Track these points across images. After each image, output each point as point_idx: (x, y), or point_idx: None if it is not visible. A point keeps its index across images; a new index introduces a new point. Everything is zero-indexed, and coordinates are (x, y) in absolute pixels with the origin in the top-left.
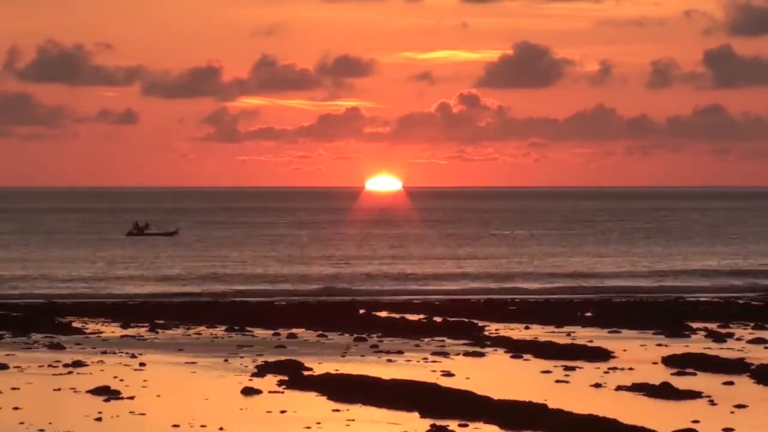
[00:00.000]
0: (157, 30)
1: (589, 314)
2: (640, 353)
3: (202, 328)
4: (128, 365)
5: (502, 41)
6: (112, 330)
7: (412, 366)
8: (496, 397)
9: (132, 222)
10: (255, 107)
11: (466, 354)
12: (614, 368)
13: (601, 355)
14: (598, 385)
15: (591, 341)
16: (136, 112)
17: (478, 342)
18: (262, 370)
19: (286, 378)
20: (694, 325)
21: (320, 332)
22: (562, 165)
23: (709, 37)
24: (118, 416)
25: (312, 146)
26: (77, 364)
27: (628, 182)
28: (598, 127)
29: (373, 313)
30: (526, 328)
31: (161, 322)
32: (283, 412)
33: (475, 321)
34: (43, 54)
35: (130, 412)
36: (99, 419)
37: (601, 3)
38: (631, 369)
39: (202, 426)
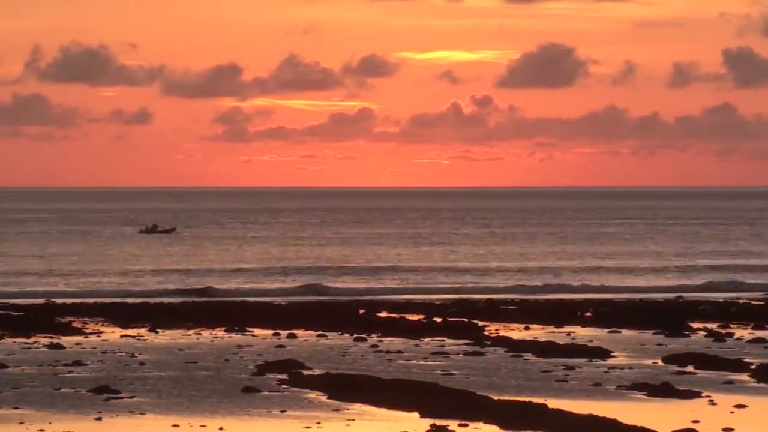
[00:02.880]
0: (186, 30)
1: (589, 314)
2: (640, 353)
3: (202, 328)
4: (128, 365)
5: (532, 42)
6: (112, 330)
7: (412, 366)
8: (496, 397)
9: (144, 222)
10: (270, 107)
11: (466, 354)
12: (614, 368)
13: (601, 354)
14: (598, 385)
15: (591, 341)
16: (150, 113)
17: (478, 342)
18: (262, 370)
19: (286, 378)
20: (694, 325)
21: (320, 332)
22: (567, 165)
23: (740, 38)
24: (118, 416)
25: (319, 146)
26: (77, 363)
27: (636, 182)
28: (610, 127)
29: (373, 313)
30: (526, 328)
31: (161, 322)
32: (283, 411)
33: (475, 321)
34: (65, 54)
35: (130, 412)
36: (99, 419)
37: (646, 5)
38: (631, 369)
39: (202, 426)
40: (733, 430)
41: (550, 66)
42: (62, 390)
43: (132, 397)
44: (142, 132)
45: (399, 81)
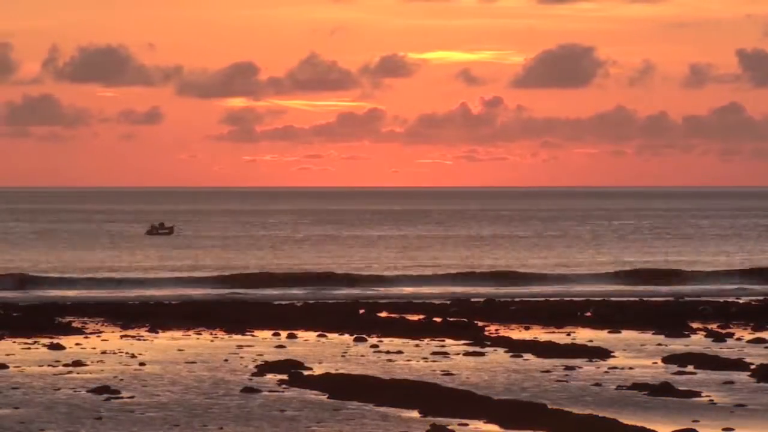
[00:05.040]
0: (209, 30)
1: (589, 314)
2: (640, 353)
3: (202, 328)
4: (128, 365)
5: (553, 43)
6: (112, 330)
7: (412, 366)
8: (496, 397)
9: (151, 222)
10: (282, 107)
11: (466, 354)
12: (614, 368)
13: (601, 354)
14: (598, 385)
15: (591, 341)
16: (162, 113)
17: (478, 342)
18: (262, 370)
19: (286, 378)
20: (694, 325)
21: (320, 332)
22: (571, 165)
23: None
24: (118, 416)
25: (326, 146)
26: (77, 363)
27: (643, 183)
28: (619, 127)
29: (373, 313)
30: (526, 328)
31: (161, 321)
32: (283, 411)
33: (476, 321)
34: (83, 54)
35: (130, 412)
36: (99, 419)
37: (676, 5)
38: (631, 369)
39: (203, 426)
40: (733, 430)
41: (567, 66)
42: (62, 390)
43: (132, 398)
44: (150, 132)
45: (415, 81)
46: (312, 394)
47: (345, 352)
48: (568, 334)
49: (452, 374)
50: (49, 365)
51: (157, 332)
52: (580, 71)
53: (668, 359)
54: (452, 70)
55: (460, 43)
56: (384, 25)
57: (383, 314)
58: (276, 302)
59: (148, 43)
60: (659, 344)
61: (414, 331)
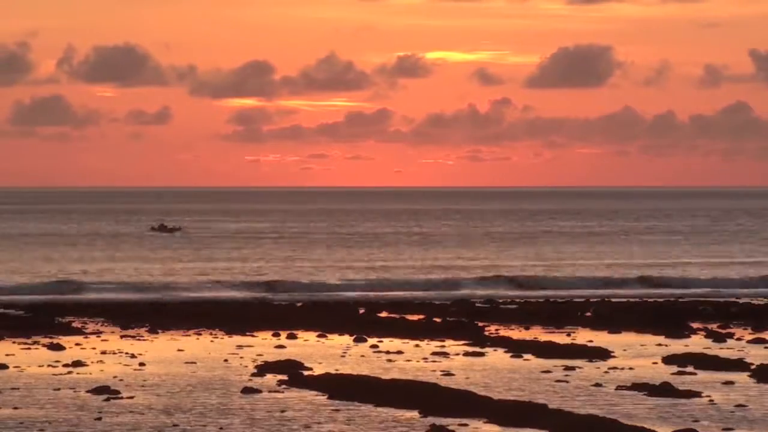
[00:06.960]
0: (228, 30)
1: (588, 314)
2: (640, 353)
3: (202, 328)
4: (128, 365)
5: (571, 43)
6: (112, 330)
7: (412, 366)
8: (496, 397)
9: (155, 221)
10: (293, 107)
11: (466, 354)
12: (614, 368)
13: (601, 355)
14: (598, 385)
15: (591, 341)
16: (172, 113)
17: (478, 342)
18: (262, 370)
19: (286, 378)
20: (694, 325)
21: (320, 332)
22: (574, 165)
23: None
24: (118, 416)
25: (330, 146)
26: (77, 364)
27: (645, 182)
28: (628, 127)
29: (374, 313)
30: (526, 328)
31: (161, 322)
32: (283, 411)
33: (476, 321)
34: (98, 53)
35: (130, 412)
36: (99, 419)
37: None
38: (631, 369)
39: (202, 426)
40: (733, 430)
41: (581, 67)
42: (62, 390)
43: (132, 398)
44: (157, 132)
45: (429, 82)
46: (312, 395)
47: (345, 353)
48: (568, 334)
49: (452, 374)
50: (49, 365)
51: (157, 332)
52: (595, 71)
53: (668, 359)
54: (467, 70)
55: (477, 43)
56: (406, 25)
57: (383, 314)
58: (276, 302)
59: (164, 42)
60: (659, 344)
61: (414, 331)
